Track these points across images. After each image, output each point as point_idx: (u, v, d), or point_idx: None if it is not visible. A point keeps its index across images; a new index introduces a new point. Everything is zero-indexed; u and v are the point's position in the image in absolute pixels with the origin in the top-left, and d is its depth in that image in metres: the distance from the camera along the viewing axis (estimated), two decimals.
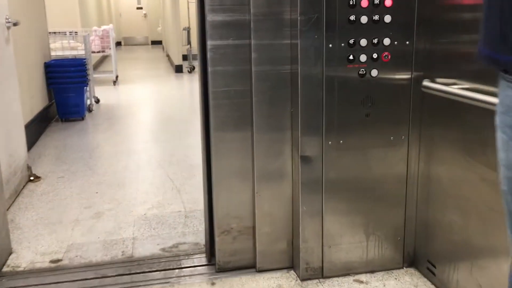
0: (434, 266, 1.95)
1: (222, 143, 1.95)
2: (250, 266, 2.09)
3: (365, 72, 1.86)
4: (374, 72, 1.86)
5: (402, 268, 2.09)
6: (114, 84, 7.49)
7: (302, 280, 2.01)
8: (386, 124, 1.93)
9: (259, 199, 1.99)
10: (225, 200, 2.01)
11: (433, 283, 1.96)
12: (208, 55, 1.87)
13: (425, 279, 2.00)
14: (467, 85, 1.68)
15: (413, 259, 2.09)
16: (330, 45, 1.81)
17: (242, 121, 1.94)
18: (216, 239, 2.05)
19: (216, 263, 2.08)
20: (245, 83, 1.90)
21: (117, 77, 7.62)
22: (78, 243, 2.40)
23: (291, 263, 2.10)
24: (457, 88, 1.69)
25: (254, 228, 2.03)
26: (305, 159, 1.90)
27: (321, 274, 2.03)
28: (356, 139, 1.93)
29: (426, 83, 1.81)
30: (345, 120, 1.90)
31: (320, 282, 2.01)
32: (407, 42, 1.86)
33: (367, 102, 1.89)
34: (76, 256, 2.28)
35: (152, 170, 3.50)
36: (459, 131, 1.74)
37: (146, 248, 2.35)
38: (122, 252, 2.31)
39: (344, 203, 1.98)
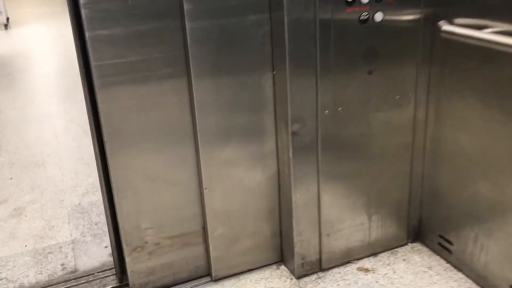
0: (450, 243, 1.66)
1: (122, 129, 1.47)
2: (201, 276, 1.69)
3: (368, 16, 1.42)
4: (379, 16, 1.43)
5: (407, 244, 1.80)
6: (6, 28, 6.42)
7: (298, 277, 1.65)
8: (392, 81, 1.54)
9: (209, 195, 1.55)
10: (134, 206, 1.50)
11: (448, 262, 1.68)
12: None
13: (438, 257, 1.72)
14: (497, 26, 1.31)
15: (418, 232, 1.79)
16: None
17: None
18: (126, 258, 1.55)
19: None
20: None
21: (7, 19, 6.53)
22: None
23: (280, 257, 1.72)
24: (491, 33, 1.31)
25: (204, 231, 1.59)
26: (296, 136, 1.47)
27: (319, 267, 1.67)
28: (357, 105, 1.52)
29: (446, 27, 1.41)
30: (344, 81, 1.47)
31: (319, 277, 1.66)
32: None
33: (370, 56, 1.47)
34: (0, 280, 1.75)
35: (76, 140, 2.91)
36: (486, 86, 1.39)
37: (93, 254, 1.86)
38: (62, 265, 1.81)
39: (343, 183, 1.60)
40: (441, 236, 1.69)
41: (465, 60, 1.45)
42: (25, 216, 2.15)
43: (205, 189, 1.52)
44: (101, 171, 1.48)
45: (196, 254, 1.62)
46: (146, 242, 1.54)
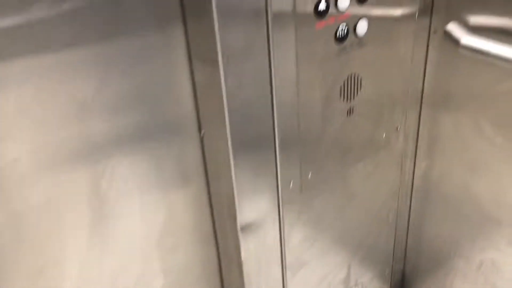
0: None
1: None
2: None
3: (347, 30, 0.86)
4: (362, 26, 0.87)
5: None
6: None
7: None
8: (379, 115, 1.01)
9: None
10: None
11: None
12: None
13: None
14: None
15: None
16: None
17: None
18: None
19: None
20: None
21: None
22: None
23: None
24: None
25: None
26: (247, 231, 0.91)
27: None
28: (332, 163, 0.98)
29: (465, 41, 0.89)
30: (313, 135, 0.92)
31: None
32: None
33: (350, 88, 0.93)
34: None
35: None
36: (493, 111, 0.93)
37: None
38: None
39: (318, 263, 1.09)
40: None
41: (473, 80, 0.96)
42: None
43: None
44: None
45: None
46: None
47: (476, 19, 0.92)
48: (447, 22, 0.96)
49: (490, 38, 0.89)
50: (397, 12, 0.92)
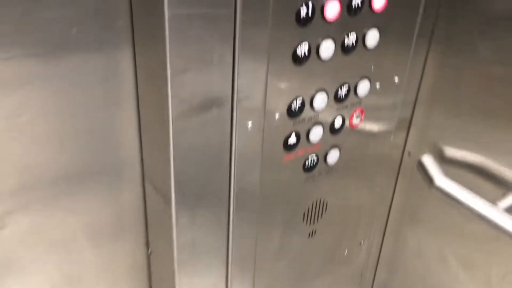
0: None
1: None
2: None
3: (317, 160, 0.81)
4: (333, 156, 0.82)
5: None
6: None
7: None
8: (342, 233, 0.96)
9: None
10: None
11: None
12: None
13: None
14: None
15: None
16: (250, 123, 0.68)
17: None
18: None
19: None
20: None
21: None
22: None
23: None
24: None
25: None
26: None
27: None
28: (289, 279, 0.93)
29: (438, 183, 0.85)
30: (271, 253, 0.86)
31: None
32: (396, 79, 0.83)
33: (315, 213, 0.87)
34: None
35: None
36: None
37: None
38: None
39: None
40: None
41: (442, 213, 0.92)
42: None
43: None
44: None
45: None
46: None
47: (453, 152, 0.89)
48: (421, 146, 0.93)
49: (466, 178, 0.85)
50: (372, 135, 0.87)
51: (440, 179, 0.84)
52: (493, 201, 0.80)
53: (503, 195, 0.82)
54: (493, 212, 0.77)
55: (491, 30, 0.77)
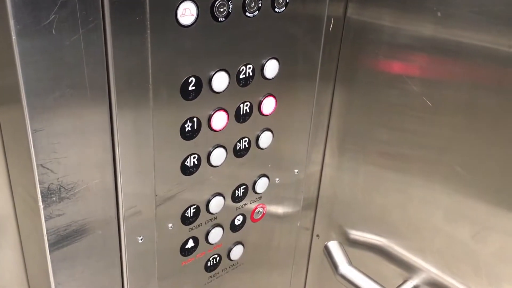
0: None
1: None
2: None
3: (219, 259, 0.79)
4: (237, 252, 0.82)
5: None
6: None
7: None
8: None
9: None
10: None
11: None
12: None
13: None
14: None
15: None
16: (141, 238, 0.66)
17: None
18: None
19: None
20: None
21: None
22: None
23: None
24: None
25: None
26: None
27: None
28: None
29: (343, 271, 0.86)
30: None
31: None
32: (296, 171, 0.84)
33: None
34: None
35: None
36: None
37: None
38: None
39: None
40: None
41: None
42: None
43: None
44: None
45: None
46: None
47: (356, 235, 0.90)
48: (329, 228, 0.94)
49: (373, 260, 0.87)
50: (277, 224, 0.88)
51: (344, 267, 0.85)
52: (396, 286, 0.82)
53: (404, 282, 0.84)
54: None
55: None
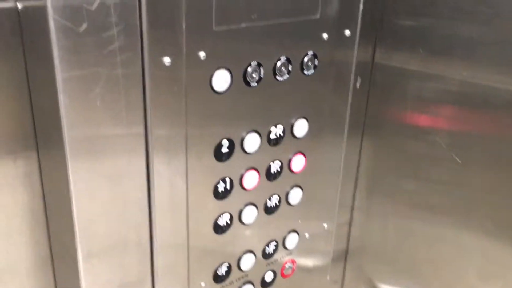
0: None
1: None
2: None
3: None
4: None
5: None
6: None
7: None
8: None
9: None
10: None
11: None
12: None
13: None
14: None
15: None
16: None
17: None
18: None
19: None
20: None
21: None
22: None
23: None
24: None
25: None
26: None
27: None
28: None
29: None
30: None
31: None
32: (325, 225, 0.85)
33: None
34: None
35: None
36: None
37: None
38: None
39: None
40: None
41: None
42: None
43: None
44: None
45: None
46: None
47: None
48: (359, 281, 0.93)
49: None
50: (307, 279, 0.87)
51: None
52: None
53: None
54: None
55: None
